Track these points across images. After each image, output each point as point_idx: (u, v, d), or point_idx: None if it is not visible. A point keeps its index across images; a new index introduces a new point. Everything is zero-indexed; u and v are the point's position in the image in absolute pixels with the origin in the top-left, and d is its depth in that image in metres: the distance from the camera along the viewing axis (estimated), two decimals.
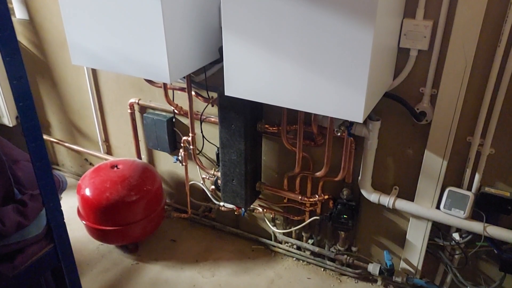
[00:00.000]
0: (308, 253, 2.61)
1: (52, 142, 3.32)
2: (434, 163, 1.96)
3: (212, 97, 2.38)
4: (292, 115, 2.11)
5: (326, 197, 2.34)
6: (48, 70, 2.99)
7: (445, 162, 1.94)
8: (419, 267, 2.24)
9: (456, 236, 2.07)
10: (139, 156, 2.91)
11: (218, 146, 2.33)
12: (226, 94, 1.76)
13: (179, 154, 2.64)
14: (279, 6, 1.50)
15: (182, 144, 2.60)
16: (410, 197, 2.10)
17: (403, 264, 2.29)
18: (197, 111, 2.48)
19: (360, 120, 1.54)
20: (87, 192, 2.44)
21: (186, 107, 2.40)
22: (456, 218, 1.97)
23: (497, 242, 1.95)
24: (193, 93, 2.39)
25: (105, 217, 2.44)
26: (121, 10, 1.78)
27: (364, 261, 2.40)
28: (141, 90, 2.68)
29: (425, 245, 2.16)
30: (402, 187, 2.15)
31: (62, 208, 1.53)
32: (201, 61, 2.02)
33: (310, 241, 2.59)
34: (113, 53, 1.90)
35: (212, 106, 2.42)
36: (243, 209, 2.53)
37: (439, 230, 2.12)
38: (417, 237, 2.16)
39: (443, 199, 1.98)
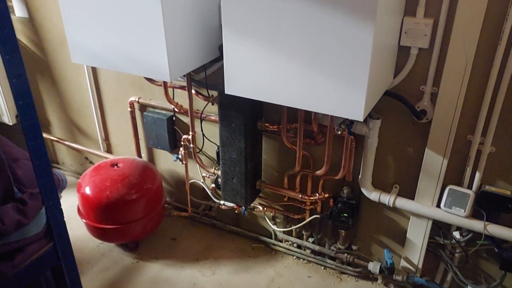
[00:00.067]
0: (308, 251, 2.61)
1: (52, 140, 3.32)
2: (434, 162, 1.96)
3: (212, 95, 2.38)
4: (292, 113, 2.10)
5: (326, 195, 2.33)
6: (48, 69, 2.99)
7: (446, 160, 1.93)
8: (420, 266, 2.24)
9: (456, 234, 2.07)
10: (139, 155, 2.91)
11: (218, 144, 2.33)
12: (226, 92, 1.76)
13: (179, 152, 2.64)
14: (279, 4, 1.49)
15: (182, 143, 2.60)
16: (411, 196, 2.10)
17: (403, 263, 2.29)
18: (197, 110, 2.48)
19: (361, 119, 1.53)
20: (87, 190, 2.44)
21: (186, 105, 2.39)
22: (457, 216, 1.97)
23: (498, 241, 1.95)
24: (193, 91, 2.38)
25: (105, 215, 2.44)
26: (121, 8, 1.77)
27: (365, 260, 2.40)
28: (141, 89, 2.67)
29: (425, 244, 2.16)
30: (402, 186, 2.15)
31: (62, 207, 1.53)
32: (201, 59, 2.01)
33: (310, 239, 2.59)
34: (113, 51, 1.90)
35: (212, 104, 2.41)
36: (243, 207, 2.53)
37: (439, 228, 2.12)
38: (418, 236, 2.16)
39: (444, 197, 1.98)
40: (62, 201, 1.54)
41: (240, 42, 1.62)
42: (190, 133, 2.47)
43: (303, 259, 2.64)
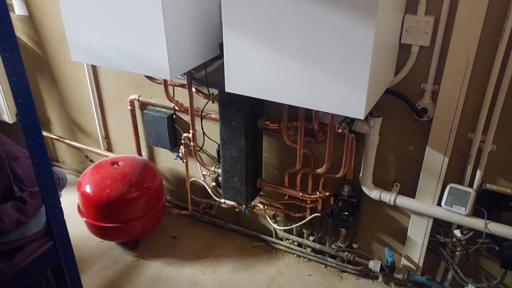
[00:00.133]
0: (309, 250, 2.61)
1: (52, 139, 3.32)
2: (435, 160, 1.95)
3: (213, 93, 2.38)
4: (293, 111, 2.10)
5: (327, 194, 2.33)
6: (48, 67, 2.99)
7: (447, 158, 1.93)
8: (420, 264, 2.23)
9: (457, 233, 2.07)
10: (139, 153, 2.91)
11: (219, 142, 2.32)
12: (226, 90, 1.75)
13: (180, 150, 2.63)
14: (280, 2, 1.49)
15: (182, 141, 2.59)
16: (411, 194, 2.10)
17: (404, 261, 2.29)
18: (198, 108, 2.47)
19: (361, 117, 1.53)
20: (88, 189, 2.43)
21: (186, 103, 2.39)
22: (457, 214, 1.96)
23: (498, 239, 1.94)
24: (193, 89, 2.38)
25: (106, 214, 2.43)
26: (121, 6, 1.77)
27: (365, 258, 2.40)
28: (141, 87, 2.67)
29: (426, 242, 2.16)
30: (403, 184, 2.14)
31: (63, 205, 1.53)
32: (201, 57, 2.01)
33: (311, 238, 2.59)
34: (113, 49, 1.90)
35: (213, 102, 2.41)
36: (244, 206, 2.53)
37: (440, 227, 2.12)
38: (418, 234, 2.16)
39: (444, 195, 1.97)
40: (62, 199, 1.54)
41: (241, 40, 1.62)
42: (191, 131, 2.47)
43: (304, 258, 2.63)
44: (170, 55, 1.77)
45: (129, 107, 2.73)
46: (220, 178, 2.45)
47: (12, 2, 2.83)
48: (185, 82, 2.33)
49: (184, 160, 2.63)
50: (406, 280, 2.28)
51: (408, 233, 2.21)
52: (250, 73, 1.66)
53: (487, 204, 1.92)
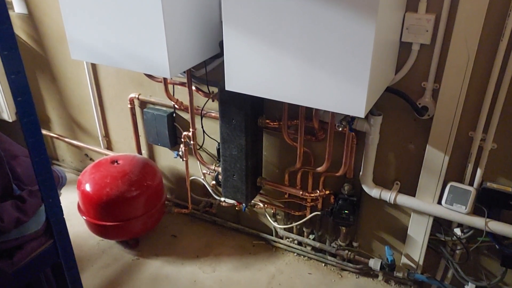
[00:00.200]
0: (309, 248, 2.61)
1: (52, 137, 3.32)
2: (435, 158, 1.95)
3: (213, 92, 2.37)
4: (293, 110, 2.10)
5: (327, 192, 2.33)
6: (47, 65, 2.98)
7: (447, 157, 1.93)
8: (420, 262, 2.23)
9: (457, 231, 2.07)
10: (139, 151, 2.91)
11: (219, 141, 2.32)
12: (226, 89, 1.75)
13: (180, 149, 2.63)
14: (280, 0, 1.48)
15: (182, 139, 2.59)
16: (412, 192, 2.10)
17: (404, 259, 2.28)
18: (198, 106, 2.47)
19: (362, 115, 1.53)
20: (87, 187, 2.43)
21: (186, 102, 2.39)
22: (458, 213, 1.96)
23: (499, 237, 1.94)
24: (193, 88, 2.37)
25: (106, 212, 2.43)
26: (120, 4, 1.76)
27: (365, 257, 2.40)
28: (141, 85, 2.67)
29: (426, 240, 2.16)
30: (403, 182, 2.14)
31: (62, 204, 1.52)
32: (201, 55, 2.01)
33: (311, 236, 2.58)
34: (113, 48, 1.89)
35: (213, 101, 2.41)
36: (244, 204, 2.53)
37: (440, 225, 2.11)
38: (419, 232, 2.16)
39: (445, 194, 1.97)
40: (62, 198, 1.53)
41: (241, 38, 1.61)
42: (191, 129, 2.46)
43: (304, 256, 2.63)
44: (170, 53, 1.77)
45: (129, 106, 2.73)
46: (220, 177, 2.45)
47: (12, 0, 2.82)
48: (185, 80, 2.33)
49: (184, 159, 2.62)
50: (406, 278, 2.28)
51: (408, 232, 2.20)
52: (250, 71, 1.66)
53: (488, 202, 1.91)
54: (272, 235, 2.72)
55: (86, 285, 2.13)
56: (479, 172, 1.91)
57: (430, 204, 2.05)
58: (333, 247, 2.48)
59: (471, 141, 1.88)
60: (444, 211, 2.00)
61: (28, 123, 1.31)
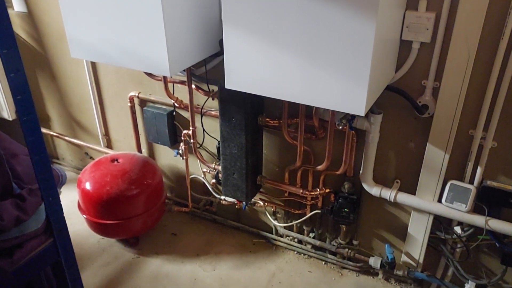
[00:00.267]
0: (309, 246, 2.61)
1: (52, 135, 3.31)
2: (436, 157, 1.95)
3: (213, 90, 2.37)
4: (293, 108, 2.09)
5: (327, 190, 2.33)
6: (47, 63, 2.98)
7: (447, 155, 1.92)
8: (421, 261, 2.23)
9: (457, 229, 2.07)
10: (139, 150, 2.90)
11: (219, 139, 2.32)
12: (226, 87, 1.74)
13: (180, 147, 2.63)
14: None
15: (182, 138, 2.59)
16: (412, 191, 2.10)
17: (404, 258, 2.28)
18: (198, 105, 2.47)
19: (362, 114, 1.52)
20: (88, 186, 2.43)
21: (186, 100, 2.38)
22: (458, 211, 1.96)
23: (499, 236, 1.94)
24: (193, 86, 2.37)
25: (106, 211, 2.43)
26: (120, 2, 1.76)
27: (365, 255, 2.40)
28: (141, 83, 2.66)
29: (426, 239, 2.16)
30: (403, 181, 2.14)
31: (62, 202, 1.52)
32: (201, 54, 2.00)
33: (311, 234, 2.58)
34: (113, 46, 1.89)
35: (213, 99, 2.40)
36: (244, 202, 2.53)
37: (440, 223, 2.11)
38: (419, 231, 2.16)
39: (445, 192, 1.97)
40: (62, 196, 1.54)
41: (241, 37, 1.61)
42: (191, 128, 2.46)
43: (304, 254, 2.63)
44: (170, 51, 1.76)
45: (129, 104, 2.73)
46: (220, 175, 2.45)
47: None
48: (185, 79, 2.32)
49: (184, 157, 2.62)
50: (407, 276, 2.28)
51: (408, 230, 2.20)
52: (250, 69, 1.66)
53: (488, 200, 1.91)
54: (272, 233, 2.72)
55: (86, 283, 2.14)
56: (479, 170, 1.91)
57: (430, 202, 2.05)
58: (333, 245, 2.48)
59: (471, 139, 1.88)
60: (444, 209, 2.00)
61: (27, 121, 1.31)
